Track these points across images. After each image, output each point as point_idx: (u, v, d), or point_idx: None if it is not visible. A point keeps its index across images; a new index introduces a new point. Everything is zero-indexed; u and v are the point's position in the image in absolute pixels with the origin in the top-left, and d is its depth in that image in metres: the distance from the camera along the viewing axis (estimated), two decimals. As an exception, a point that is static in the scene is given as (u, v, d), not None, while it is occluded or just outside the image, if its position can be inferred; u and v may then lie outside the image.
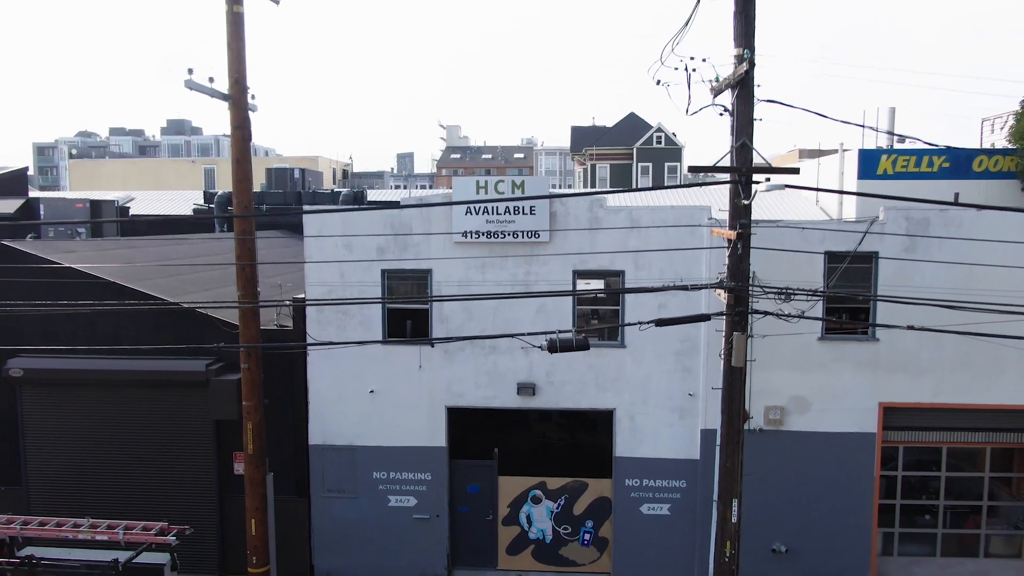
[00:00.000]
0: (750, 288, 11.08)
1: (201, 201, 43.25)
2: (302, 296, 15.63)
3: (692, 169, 11.39)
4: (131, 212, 45.14)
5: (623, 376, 15.08)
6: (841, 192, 12.12)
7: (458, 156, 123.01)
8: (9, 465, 16.13)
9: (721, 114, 11.59)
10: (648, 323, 11.55)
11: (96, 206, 23.40)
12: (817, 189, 11.09)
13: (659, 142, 67.06)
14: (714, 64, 11.74)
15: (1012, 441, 15.44)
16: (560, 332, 11.26)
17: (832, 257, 14.69)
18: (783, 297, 11.51)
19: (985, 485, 15.76)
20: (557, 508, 15.89)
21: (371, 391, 15.43)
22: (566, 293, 13.68)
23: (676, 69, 11.54)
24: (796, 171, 11.35)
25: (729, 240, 10.90)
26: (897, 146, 30.59)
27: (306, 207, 14.65)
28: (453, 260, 15.03)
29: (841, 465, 14.99)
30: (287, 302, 14.63)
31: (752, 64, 10.86)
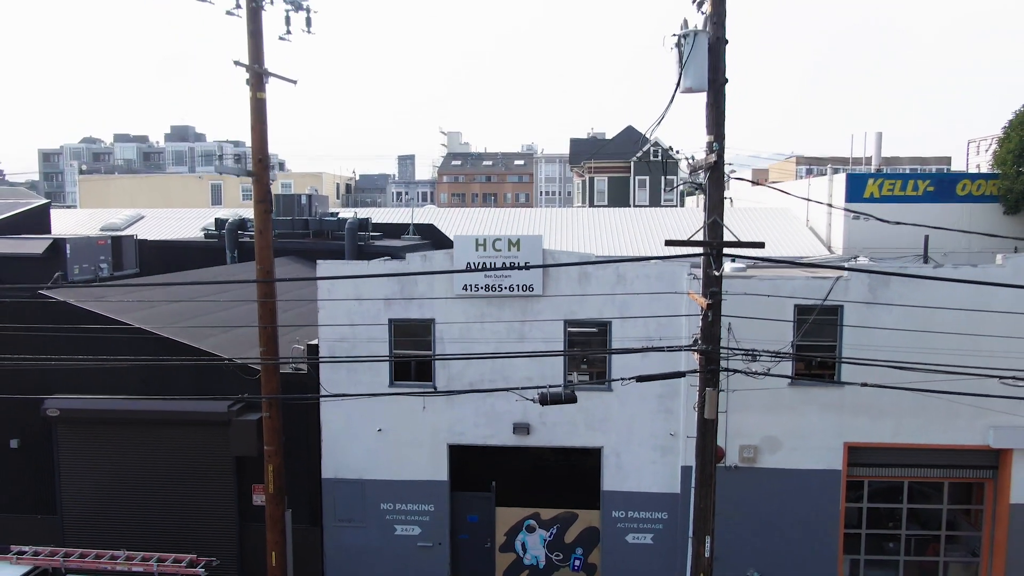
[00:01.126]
0: (721, 350, 12.47)
1: (210, 222, 44.68)
2: (315, 343, 16.99)
3: (668, 243, 12.75)
4: (141, 231, 46.54)
5: (610, 417, 16.45)
6: (799, 264, 13.45)
7: (459, 163, 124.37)
8: (46, 496, 17.51)
9: (694, 192, 12.98)
10: (630, 379, 12.93)
11: (117, 242, 24.77)
12: (775, 261, 12.42)
13: (656, 156, 68.39)
14: (689, 154, 13.25)
15: (968, 476, 16.81)
16: (551, 387, 12.65)
17: (801, 310, 16.03)
18: (750, 357, 12.93)
19: (943, 516, 17.12)
20: (550, 536, 17.26)
21: (379, 430, 16.80)
22: (556, 353, 15.07)
23: (655, 156, 12.93)
24: (762, 245, 12.65)
25: (702, 307, 12.28)
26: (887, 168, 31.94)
27: (319, 270, 15.99)
28: (455, 309, 16.39)
29: (809, 499, 16.36)
30: (303, 357, 15.99)
31: (720, 154, 12.26)
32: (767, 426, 16.27)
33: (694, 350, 12.52)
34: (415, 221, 39.07)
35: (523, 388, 13.07)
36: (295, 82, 14.54)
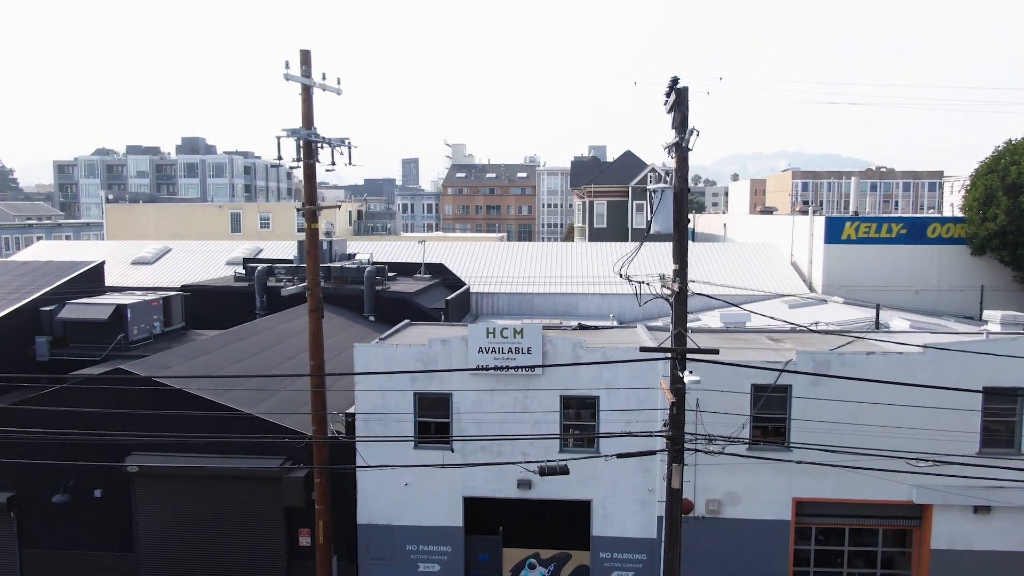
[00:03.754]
0: (685, 434, 15.72)
1: (235, 256, 47.96)
2: (352, 411, 20.25)
3: (642, 349, 16.00)
4: (169, 262, 49.86)
5: (598, 475, 19.71)
6: (742, 365, 16.59)
7: (463, 175, 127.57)
8: (124, 536, 20.84)
9: (667, 297, 16.19)
10: (611, 455, 16.24)
11: (167, 302, 28.08)
12: (729, 364, 15.63)
13: (652, 180, 71.50)
14: (661, 274, 16.46)
15: (899, 524, 20.06)
16: (548, 461, 15.92)
17: (757, 388, 19.24)
18: (707, 440, 16.23)
19: (878, 557, 20.37)
20: (548, 573, 20.54)
21: (405, 484, 20.10)
22: (552, 436, 18.33)
23: (629, 281, 16.19)
24: (716, 351, 15.86)
25: (671, 403, 15.52)
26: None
27: (356, 356, 19.20)
28: (470, 384, 19.65)
29: (764, 544, 19.62)
30: (346, 436, 19.26)
31: (684, 280, 15.48)
32: (729, 483, 19.53)
33: (663, 435, 15.80)
34: (425, 261, 42.33)
35: (525, 462, 16.30)
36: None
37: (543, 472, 15.95)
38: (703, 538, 19.47)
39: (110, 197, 65.08)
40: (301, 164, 16.00)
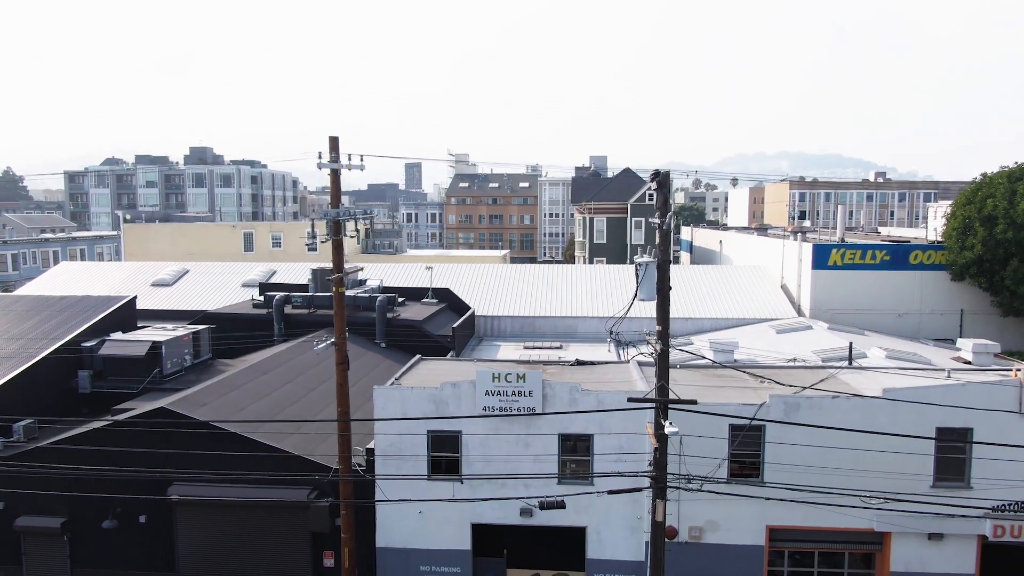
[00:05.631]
0: (667, 475, 18.00)
1: (251, 279, 50.29)
2: (372, 446, 22.54)
3: (630, 399, 18.29)
4: (188, 283, 52.17)
5: (592, 504, 21.99)
6: (703, 411, 18.84)
7: (466, 185, 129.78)
8: (167, 558, 23.17)
9: (647, 360, 18.46)
10: (603, 491, 18.54)
11: (196, 337, 30.41)
12: (706, 412, 17.90)
13: (651, 199, 73.80)
14: (647, 332, 18.75)
15: (863, 548, 22.32)
16: (547, 497, 18.24)
17: (734, 428, 21.50)
18: (687, 479, 18.52)
19: (845, 577, 22.65)
20: (547, 591, 22.85)
21: (419, 512, 22.40)
22: (550, 475, 20.61)
23: (618, 342, 18.52)
24: (694, 402, 18.13)
25: (654, 447, 17.79)
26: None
27: (376, 397, 21.43)
28: (477, 424, 21.94)
29: (741, 567, 21.89)
30: (366, 475, 21.57)
31: (666, 342, 17.72)
32: (709, 512, 21.81)
33: (648, 476, 18.08)
34: (432, 285, 44.62)
35: (527, 497, 18.60)
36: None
37: (542, 507, 18.30)
38: (686, 562, 21.75)
39: (127, 217, 67.49)
40: (331, 240, 18.31)
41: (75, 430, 23.23)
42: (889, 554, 21.73)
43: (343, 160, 18.62)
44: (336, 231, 18.39)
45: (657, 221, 17.14)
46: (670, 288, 17.64)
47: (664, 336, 17.68)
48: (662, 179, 17.70)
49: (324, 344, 19.30)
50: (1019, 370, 21.92)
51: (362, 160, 19.77)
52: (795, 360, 28.40)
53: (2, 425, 24.43)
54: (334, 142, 18.55)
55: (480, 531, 22.74)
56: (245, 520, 22.78)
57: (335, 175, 18.49)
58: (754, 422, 21.26)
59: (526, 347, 41.21)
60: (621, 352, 35.52)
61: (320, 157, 17.79)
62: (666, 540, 20.55)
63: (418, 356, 27.93)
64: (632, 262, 67.68)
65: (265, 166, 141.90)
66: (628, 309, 18.68)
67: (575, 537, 22.66)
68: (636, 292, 17.73)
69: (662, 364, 17.95)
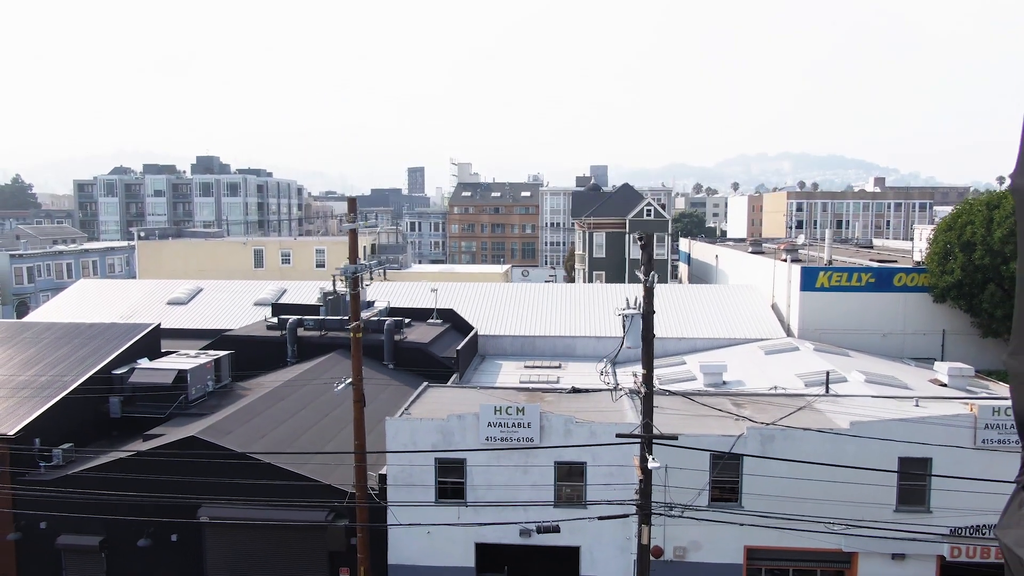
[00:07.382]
0: (652, 503, 20.07)
1: (263, 297, 52.39)
2: (384, 471, 24.65)
3: (618, 436, 20.36)
4: (202, 301, 54.25)
5: (585, 526, 24.06)
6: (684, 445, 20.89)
7: (468, 194, 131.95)
8: (198, 572, 25.28)
9: (631, 392, 20.51)
10: (594, 517, 20.63)
11: (218, 363, 32.55)
12: (687, 447, 19.96)
13: (649, 214, 75.91)
14: (634, 372, 20.80)
15: (833, 567, 24.38)
16: (544, 522, 20.34)
17: (715, 456, 23.57)
18: (669, 507, 20.61)
19: (817, 593, 24.70)
20: (545, 605, 24.92)
21: (428, 532, 24.50)
22: (546, 503, 22.70)
23: (609, 381, 20.55)
24: (675, 437, 20.22)
25: (639, 479, 19.86)
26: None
27: (388, 429, 23.48)
28: (480, 453, 24.03)
29: (721, 583, 23.97)
30: (375, 490, 23.68)
31: (650, 385, 19.78)
32: (693, 533, 23.88)
33: (634, 504, 20.16)
34: (437, 306, 46.70)
35: (525, 522, 20.69)
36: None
37: (539, 531, 20.44)
38: (671, 579, 23.83)
39: (142, 235, 69.69)
40: (349, 293, 20.43)
41: (110, 456, 25.35)
42: (857, 572, 23.79)
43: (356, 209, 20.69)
44: (354, 285, 20.49)
45: (643, 276, 19.21)
46: (654, 335, 19.71)
47: (648, 380, 19.75)
48: (646, 241, 19.82)
49: (343, 385, 21.37)
50: (974, 405, 23.95)
51: (377, 220, 21.87)
52: (776, 388, 30.46)
53: (43, 450, 26.56)
54: (352, 204, 20.65)
55: (483, 550, 24.82)
56: (268, 539, 24.88)
57: (352, 235, 20.59)
58: (735, 448, 23.35)
59: (527, 366, 43.35)
60: (617, 371, 37.65)
61: (342, 222, 19.83)
62: (652, 559, 22.71)
63: (425, 384, 30.03)
64: (628, 280, 69.80)
65: (271, 174, 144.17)
66: (617, 353, 20.74)
67: (570, 556, 24.74)
68: (623, 340, 19.80)
69: (646, 404, 20.02)
